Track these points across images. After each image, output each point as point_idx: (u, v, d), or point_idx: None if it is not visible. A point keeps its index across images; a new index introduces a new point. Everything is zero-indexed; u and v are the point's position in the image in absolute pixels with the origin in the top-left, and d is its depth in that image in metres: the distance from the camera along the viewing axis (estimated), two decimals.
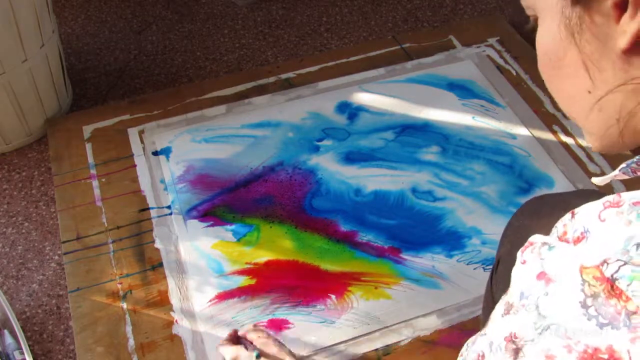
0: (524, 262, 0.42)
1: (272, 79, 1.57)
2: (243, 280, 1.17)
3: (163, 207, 1.29)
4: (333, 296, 1.15)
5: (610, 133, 0.43)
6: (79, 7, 1.90)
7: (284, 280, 1.17)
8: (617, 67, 0.40)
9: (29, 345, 1.10)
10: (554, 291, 0.38)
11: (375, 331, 1.11)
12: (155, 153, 1.39)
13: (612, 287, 0.35)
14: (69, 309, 1.15)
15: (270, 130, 1.44)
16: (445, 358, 1.06)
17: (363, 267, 1.20)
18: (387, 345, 1.09)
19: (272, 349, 0.86)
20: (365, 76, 1.57)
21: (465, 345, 0.49)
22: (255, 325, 0.97)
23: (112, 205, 1.30)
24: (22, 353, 1.07)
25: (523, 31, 1.67)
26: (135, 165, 1.37)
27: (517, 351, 0.39)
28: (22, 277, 1.24)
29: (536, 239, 0.43)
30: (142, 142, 1.42)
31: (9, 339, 1.09)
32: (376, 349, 1.09)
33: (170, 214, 1.28)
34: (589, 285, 0.36)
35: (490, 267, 1.19)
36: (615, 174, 0.44)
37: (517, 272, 0.43)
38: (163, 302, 1.14)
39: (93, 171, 1.36)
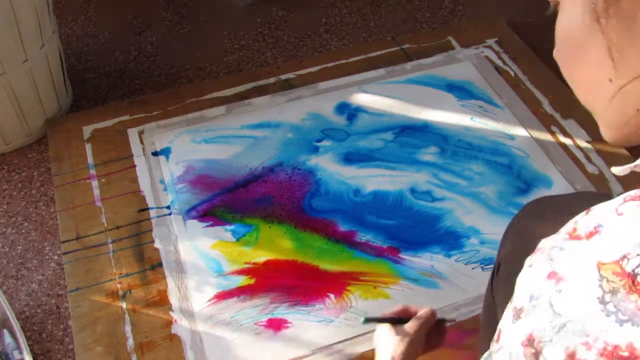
0: (530, 266, 0.41)
1: (271, 80, 1.58)
2: (242, 280, 1.18)
3: (162, 207, 1.29)
4: (332, 296, 1.16)
5: (629, 123, 0.42)
6: (79, 8, 1.90)
7: (283, 280, 1.18)
8: None
9: (29, 345, 1.10)
10: (567, 288, 0.37)
11: (374, 330, 1.11)
12: (155, 153, 1.40)
13: (633, 282, 0.34)
14: (69, 309, 1.16)
15: (270, 130, 1.45)
16: (445, 357, 1.06)
17: (362, 266, 1.20)
18: None
19: (407, 333, 0.80)
20: (364, 77, 1.58)
21: None
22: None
23: (111, 206, 1.30)
24: (22, 352, 1.07)
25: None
26: (134, 166, 1.37)
27: (537, 355, 0.38)
28: (22, 276, 1.24)
29: (544, 244, 0.42)
30: (141, 142, 1.42)
31: (8, 339, 1.09)
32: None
33: (170, 214, 1.28)
34: (607, 281, 0.35)
35: (489, 266, 1.19)
36: (636, 164, 0.43)
37: (523, 277, 0.42)
38: (162, 301, 1.15)
39: (93, 171, 1.36)
